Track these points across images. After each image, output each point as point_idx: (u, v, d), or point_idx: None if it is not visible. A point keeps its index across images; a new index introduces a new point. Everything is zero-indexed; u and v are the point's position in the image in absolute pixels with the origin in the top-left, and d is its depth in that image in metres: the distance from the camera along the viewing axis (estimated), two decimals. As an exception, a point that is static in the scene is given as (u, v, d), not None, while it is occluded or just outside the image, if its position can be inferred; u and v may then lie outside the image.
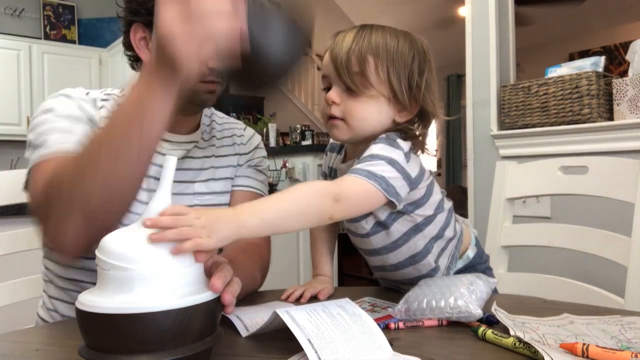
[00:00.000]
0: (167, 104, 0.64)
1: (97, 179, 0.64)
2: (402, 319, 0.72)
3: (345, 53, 0.77)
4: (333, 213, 0.67)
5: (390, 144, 0.77)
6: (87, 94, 0.90)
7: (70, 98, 0.87)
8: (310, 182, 0.71)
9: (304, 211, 0.66)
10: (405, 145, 0.79)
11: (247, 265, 0.87)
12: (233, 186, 1.02)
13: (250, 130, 1.10)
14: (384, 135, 0.79)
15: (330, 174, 0.95)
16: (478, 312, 0.69)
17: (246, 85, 0.76)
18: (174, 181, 0.92)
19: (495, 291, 0.96)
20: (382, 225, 0.83)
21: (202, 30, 0.57)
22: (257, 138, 1.10)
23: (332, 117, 0.80)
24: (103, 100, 0.91)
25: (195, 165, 0.97)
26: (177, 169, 0.92)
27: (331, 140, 0.93)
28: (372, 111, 0.78)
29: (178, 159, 0.92)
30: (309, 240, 1.01)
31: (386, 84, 0.77)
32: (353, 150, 0.87)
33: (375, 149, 0.76)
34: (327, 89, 0.81)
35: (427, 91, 0.80)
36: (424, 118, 0.82)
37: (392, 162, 0.75)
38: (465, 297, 0.71)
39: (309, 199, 0.66)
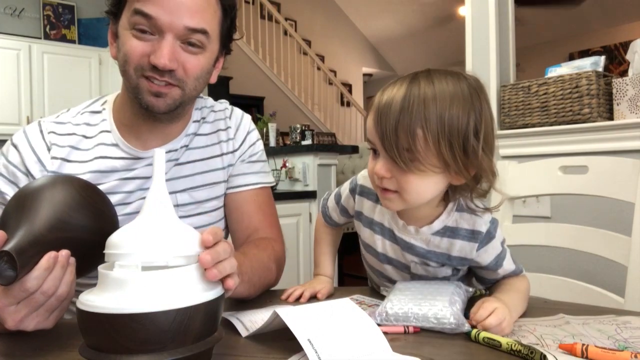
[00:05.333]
0: None
1: None
2: (380, 323, 0.70)
3: (392, 127, 0.68)
4: None
5: (496, 228, 0.80)
6: (41, 130, 0.89)
7: (8, 153, 0.88)
8: (525, 283, 0.82)
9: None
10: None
11: (261, 258, 0.85)
12: (230, 188, 0.97)
13: (235, 117, 1.00)
14: (490, 227, 0.79)
15: (360, 220, 0.87)
16: (466, 327, 0.67)
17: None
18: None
19: None
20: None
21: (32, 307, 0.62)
22: (245, 124, 1.00)
23: (384, 189, 0.74)
24: (50, 132, 0.89)
25: (175, 173, 0.92)
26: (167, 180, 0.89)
27: (360, 182, 0.87)
28: (426, 184, 0.72)
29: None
30: (308, 241, 1.01)
31: (438, 156, 0.69)
32: (407, 210, 0.79)
33: (499, 244, 0.80)
34: (373, 149, 0.74)
35: (485, 152, 0.71)
36: (481, 178, 0.74)
37: (505, 244, 0.83)
38: (452, 308, 0.69)
39: (528, 295, 0.81)
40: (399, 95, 0.70)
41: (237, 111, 1.02)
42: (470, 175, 0.72)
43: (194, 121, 0.96)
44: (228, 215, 0.99)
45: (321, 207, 0.98)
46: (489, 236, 0.78)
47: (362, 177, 0.87)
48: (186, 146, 0.94)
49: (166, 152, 0.89)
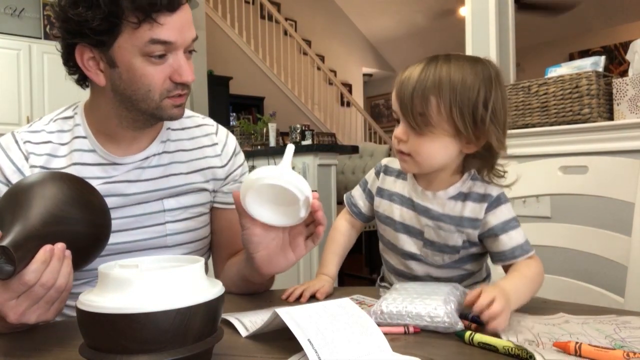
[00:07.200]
0: None
1: None
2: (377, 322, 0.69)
3: (409, 94, 0.79)
4: None
5: (507, 200, 0.84)
6: (16, 141, 0.88)
7: None
8: (533, 268, 0.81)
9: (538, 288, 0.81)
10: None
11: None
12: (217, 203, 0.98)
13: (221, 134, 1.02)
14: (501, 194, 0.84)
15: (381, 195, 0.94)
16: (459, 326, 0.67)
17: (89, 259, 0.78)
18: (143, 202, 0.91)
19: None
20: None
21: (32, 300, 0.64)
22: (231, 142, 1.03)
23: (400, 152, 0.84)
24: (26, 142, 0.88)
25: (161, 179, 0.93)
26: (147, 192, 0.90)
27: (384, 162, 0.96)
28: (437, 148, 0.80)
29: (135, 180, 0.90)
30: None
31: (449, 122, 0.78)
32: (426, 177, 0.87)
33: (508, 212, 0.83)
34: (398, 120, 0.83)
35: (494, 122, 0.78)
36: (490, 149, 0.82)
37: (517, 221, 0.84)
38: (447, 307, 0.69)
39: (540, 279, 0.80)
40: (417, 70, 0.80)
41: (222, 129, 1.04)
42: (479, 143, 0.80)
43: (167, 128, 0.96)
44: (219, 231, 1.00)
45: (345, 199, 1.02)
46: (499, 200, 0.84)
47: (386, 160, 0.97)
48: (168, 152, 0.94)
49: (146, 158, 0.92)
